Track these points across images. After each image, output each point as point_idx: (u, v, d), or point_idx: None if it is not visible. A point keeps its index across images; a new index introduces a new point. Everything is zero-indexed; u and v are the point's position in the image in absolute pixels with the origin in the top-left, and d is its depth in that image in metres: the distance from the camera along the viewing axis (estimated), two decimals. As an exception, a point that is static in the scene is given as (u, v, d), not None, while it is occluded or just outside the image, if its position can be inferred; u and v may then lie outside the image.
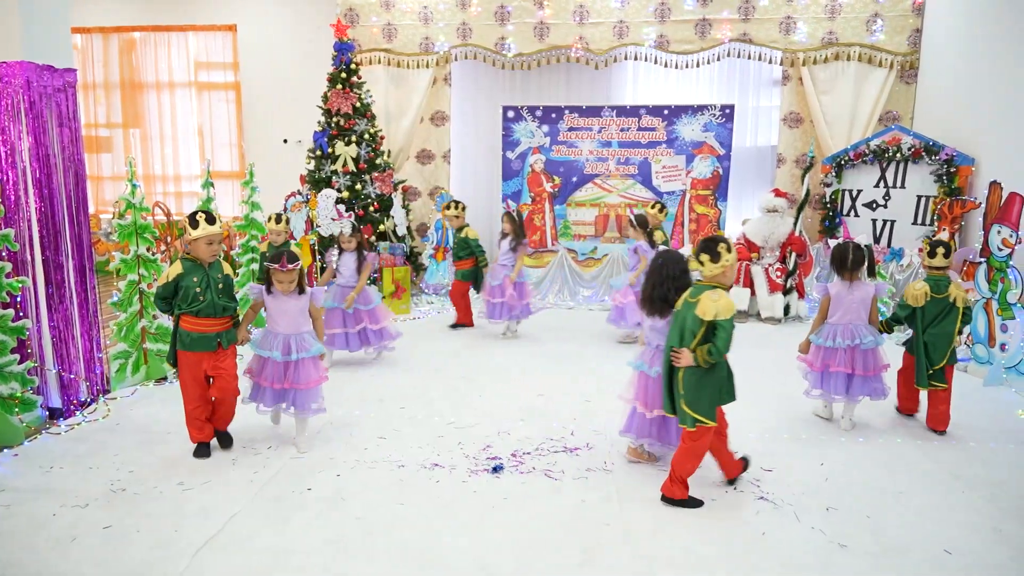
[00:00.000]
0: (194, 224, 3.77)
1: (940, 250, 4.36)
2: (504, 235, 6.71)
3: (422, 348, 6.26)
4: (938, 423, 4.35)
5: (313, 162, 8.08)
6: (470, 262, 6.72)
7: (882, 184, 7.42)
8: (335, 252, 5.76)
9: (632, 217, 6.30)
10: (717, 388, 3.38)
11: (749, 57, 8.35)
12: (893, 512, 3.40)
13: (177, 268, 3.78)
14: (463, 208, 6.77)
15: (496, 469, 3.82)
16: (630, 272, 6.35)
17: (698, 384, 3.34)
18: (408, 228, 8.45)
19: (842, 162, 7.61)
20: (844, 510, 3.41)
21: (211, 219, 3.82)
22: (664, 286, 3.53)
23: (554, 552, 3.04)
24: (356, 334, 5.62)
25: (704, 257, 3.31)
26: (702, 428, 3.35)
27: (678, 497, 3.42)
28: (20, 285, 4.20)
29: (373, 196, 7.94)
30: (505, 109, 8.43)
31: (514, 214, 6.67)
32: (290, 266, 3.90)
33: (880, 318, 4.47)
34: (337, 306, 5.57)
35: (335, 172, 7.90)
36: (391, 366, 5.71)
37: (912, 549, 3.08)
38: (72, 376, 4.62)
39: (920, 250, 4.19)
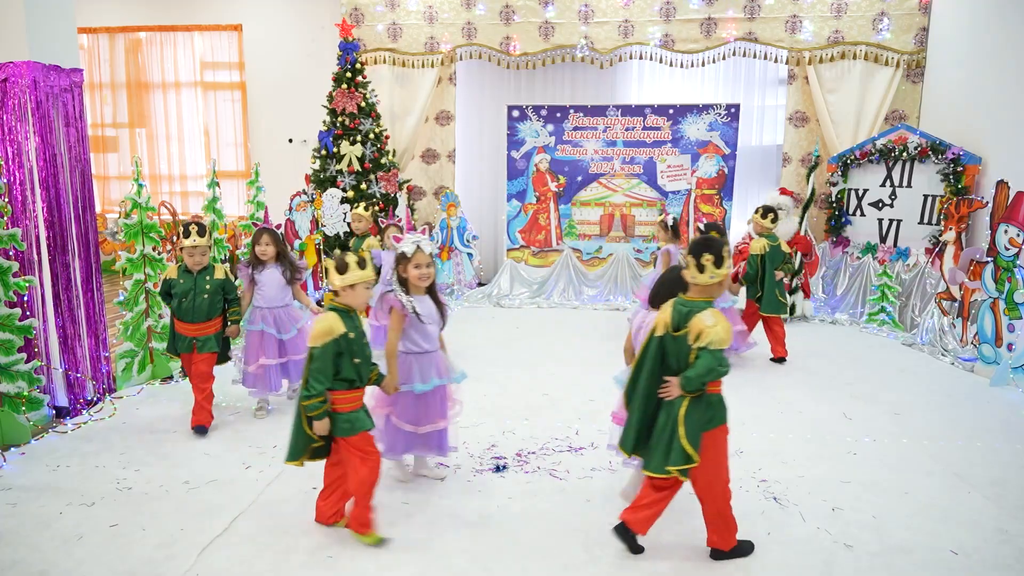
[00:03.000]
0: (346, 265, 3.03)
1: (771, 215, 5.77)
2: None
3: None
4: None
5: (318, 161, 8.11)
6: None
7: (888, 183, 7.40)
8: (246, 266, 4.57)
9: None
10: None
11: (755, 56, 8.32)
12: (898, 512, 3.39)
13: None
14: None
15: (500, 468, 3.82)
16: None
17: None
18: (413, 227, 8.47)
19: (848, 161, 7.58)
20: (849, 510, 3.40)
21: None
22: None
23: (558, 552, 3.04)
24: (279, 367, 4.59)
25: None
26: None
27: None
28: (27, 284, 4.22)
29: (378, 195, 7.96)
30: (510, 108, 8.43)
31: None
32: None
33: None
34: (263, 330, 4.51)
35: (340, 171, 7.93)
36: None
37: (917, 549, 3.08)
38: (78, 375, 4.65)
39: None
